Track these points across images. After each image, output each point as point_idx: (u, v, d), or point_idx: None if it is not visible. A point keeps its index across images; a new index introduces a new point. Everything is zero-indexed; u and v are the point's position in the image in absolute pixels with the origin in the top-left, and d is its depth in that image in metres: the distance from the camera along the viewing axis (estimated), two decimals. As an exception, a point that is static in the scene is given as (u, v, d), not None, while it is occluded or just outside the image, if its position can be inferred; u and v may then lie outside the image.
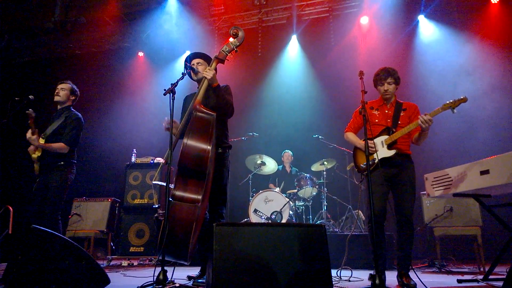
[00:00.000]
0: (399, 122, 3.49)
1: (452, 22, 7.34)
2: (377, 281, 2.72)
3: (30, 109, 4.03)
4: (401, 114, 3.53)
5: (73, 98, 4.36)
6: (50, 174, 4.06)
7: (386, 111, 3.57)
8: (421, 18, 7.66)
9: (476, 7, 7.25)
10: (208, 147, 3.02)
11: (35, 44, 9.43)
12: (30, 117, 3.98)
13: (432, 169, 3.77)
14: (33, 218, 3.97)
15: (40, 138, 4.09)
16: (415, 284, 3.16)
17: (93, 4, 8.17)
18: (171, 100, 3.08)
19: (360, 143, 3.59)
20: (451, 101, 3.19)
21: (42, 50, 9.56)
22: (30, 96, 4.26)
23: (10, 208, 5.43)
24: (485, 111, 6.54)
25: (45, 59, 9.68)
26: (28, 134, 3.96)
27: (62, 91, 4.27)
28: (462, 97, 3.18)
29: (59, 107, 4.32)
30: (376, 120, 3.56)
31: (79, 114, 4.31)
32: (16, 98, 4.27)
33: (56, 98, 4.27)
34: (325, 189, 6.42)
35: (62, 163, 4.08)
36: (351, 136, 3.75)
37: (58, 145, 4.06)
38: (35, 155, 4.08)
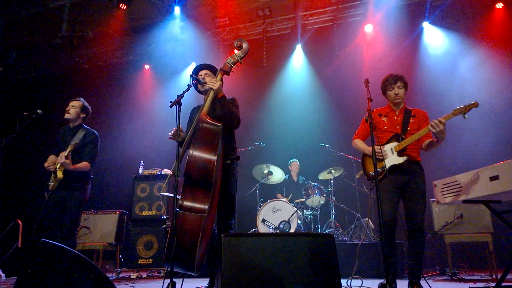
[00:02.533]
0: (409, 128, 3.46)
1: (456, 28, 7.33)
2: (388, 291, 2.69)
3: (76, 140, 4.05)
4: (411, 120, 3.50)
5: (84, 115, 4.36)
6: (70, 191, 4.08)
7: (395, 118, 3.55)
8: (426, 24, 7.65)
9: (480, 12, 7.24)
10: (214, 157, 3.03)
11: (43, 60, 9.57)
12: (73, 145, 3.98)
13: (441, 175, 3.74)
14: (48, 232, 4.01)
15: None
16: (427, 293, 3.12)
17: (100, 18, 8.29)
18: (177, 112, 3.10)
19: (369, 150, 3.56)
20: (462, 106, 3.12)
21: (50, 65, 9.70)
22: (38, 111, 4.31)
23: (20, 222, 5.47)
24: (493, 116, 6.49)
25: (53, 74, 9.82)
26: (62, 158, 3.93)
27: (73, 108, 4.27)
28: (473, 102, 3.11)
29: (71, 124, 4.33)
30: (385, 127, 3.54)
31: (95, 131, 4.35)
32: (24, 113, 4.32)
33: (66, 116, 4.28)
34: (333, 197, 6.39)
35: (83, 180, 4.16)
36: (359, 143, 3.73)
37: (83, 165, 4.12)
38: (59, 175, 4.01)
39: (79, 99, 4.36)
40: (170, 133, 3.44)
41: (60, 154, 3.97)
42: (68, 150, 3.96)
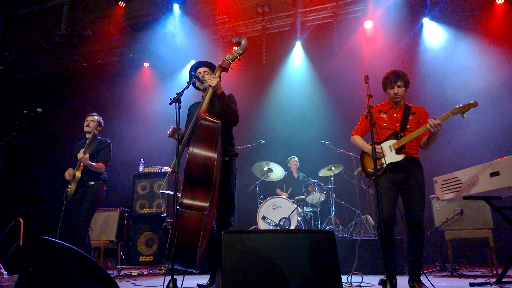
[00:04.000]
0: (408, 126, 3.45)
1: (457, 24, 7.31)
2: (388, 286, 2.70)
3: (92, 142, 4.57)
4: (410, 118, 3.49)
5: (100, 128, 4.87)
6: (86, 188, 4.49)
7: (395, 115, 3.54)
8: (426, 20, 7.63)
9: (480, 8, 7.21)
10: (214, 155, 3.03)
11: (42, 58, 9.56)
12: (90, 138, 4.54)
13: (441, 172, 3.74)
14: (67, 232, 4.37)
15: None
16: (427, 289, 3.12)
17: (99, 16, 8.28)
18: (177, 109, 3.10)
19: (367, 147, 3.56)
20: (461, 105, 3.11)
21: (49, 64, 9.69)
22: (38, 109, 4.34)
23: (21, 220, 5.48)
24: (493, 112, 6.48)
25: (52, 73, 9.81)
26: (81, 154, 4.37)
27: (92, 123, 4.75)
28: (472, 102, 3.09)
29: (87, 135, 4.74)
30: (384, 124, 3.53)
31: (108, 140, 4.85)
32: (24, 111, 4.34)
33: (86, 129, 4.73)
34: (333, 194, 6.39)
35: (98, 181, 4.58)
36: (358, 140, 3.73)
37: (99, 165, 4.55)
38: (78, 174, 4.43)
39: (95, 114, 4.86)
40: (168, 132, 3.45)
41: (80, 151, 4.40)
42: (86, 145, 4.44)
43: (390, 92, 3.53)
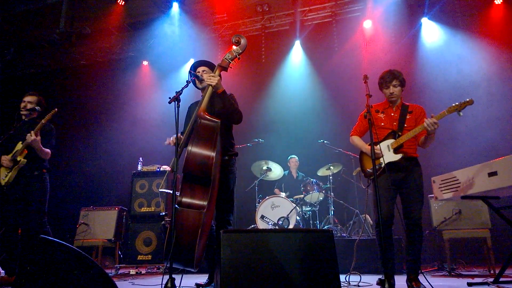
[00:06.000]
0: (405, 125, 3.46)
1: (455, 24, 7.32)
2: (386, 286, 2.70)
3: (43, 121, 4.06)
4: (407, 116, 3.49)
5: (41, 110, 4.40)
6: (29, 180, 4.11)
7: (392, 114, 3.55)
8: (425, 20, 7.64)
9: (479, 8, 7.23)
10: (213, 153, 3.03)
11: (41, 56, 9.53)
12: (41, 124, 4.01)
13: (440, 171, 3.75)
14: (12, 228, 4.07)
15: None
16: (425, 288, 3.13)
17: (98, 14, 8.25)
18: (176, 108, 3.10)
19: (366, 147, 3.57)
20: (457, 103, 3.13)
21: (48, 62, 9.67)
22: (36, 107, 4.30)
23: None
24: (491, 112, 6.50)
25: (51, 71, 9.79)
26: (31, 136, 3.97)
27: (30, 104, 4.31)
28: (468, 100, 3.11)
29: (25, 118, 4.32)
30: (382, 124, 3.54)
31: (51, 124, 4.33)
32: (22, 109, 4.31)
33: (25, 112, 4.29)
34: (332, 194, 6.40)
35: (42, 169, 4.20)
36: (356, 140, 3.73)
37: (47, 150, 4.16)
38: (22, 160, 4.04)
39: (34, 94, 4.39)
40: (170, 142, 3.42)
41: (30, 133, 3.97)
42: (36, 128, 3.99)
43: (386, 91, 3.54)
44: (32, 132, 3.97)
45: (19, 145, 4.10)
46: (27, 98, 4.34)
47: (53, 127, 4.37)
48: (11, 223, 4.09)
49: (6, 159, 4.10)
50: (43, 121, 4.01)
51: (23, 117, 4.31)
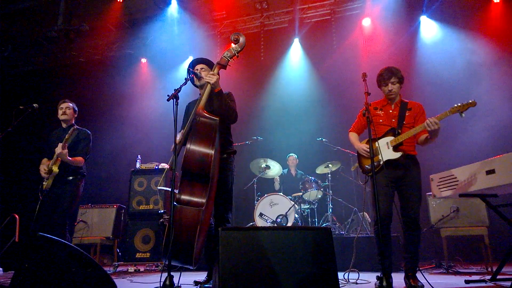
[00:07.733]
0: (405, 122, 3.45)
1: (454, 22, 7.32)
2: (384, 283, 2.72)
3: (71, 132, 4.16)
4: (407, 114, 3.49)
5: (76, 116, 4.63)
6: (64, 185, 4.24)
7: (391, 111, 3.55)
8: (423, 18, 7.64)
9: (477, 6, 7.23)
10: (211, 151, 3.03)
11: (39, 53, 9.50)
12: (70, 134, 4.14)
13: (438, 169, 3.75)
14: (43, 228, 4.11)
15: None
16: (423, 286, 3.14)
17: (96, 11, 8.23)
18: (175, 106, 3.10)
19: (357, 145, 3.58)
20: (460, 104, 3.10)
21: (46, 59, 9.63)
22: (34, 105, 4.30)
23: (17, 216, 5.46)
24: (490, 110, 6.50)
25: (49, 68, 9.75)
26: (59, 148, 4.08)
27: (68, 109, 4.50)
28: (470, 101, 3.08)
29: (64, 125, 4.53)
30: (381, 120, 3.54)
31: (88, 130, 4.57)
32: (20, 107, 4.30)
33: (63, 117, 4.49)
34: (330, 191, 6.40)
35: (77, 176, 4.34)
36: (352, 137, 3.75)
37: (78, 159, 4.30)
38: (55, 170, 4.17)
39: (69, 101, 4.56)
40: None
41: (58, 145, 4.08)
42: (65, 140, 4.09)
43: (385, 89, 3.54)
44: (60, 144, 4.09)
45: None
46: (64, 105, 4.50)
47: (89, 133, 4.54)
48: (41, 224, 4.17)
49: (43, 170, 4.24)
50: (66, 136, 4.11)
51: (62, 124, 4.52)
